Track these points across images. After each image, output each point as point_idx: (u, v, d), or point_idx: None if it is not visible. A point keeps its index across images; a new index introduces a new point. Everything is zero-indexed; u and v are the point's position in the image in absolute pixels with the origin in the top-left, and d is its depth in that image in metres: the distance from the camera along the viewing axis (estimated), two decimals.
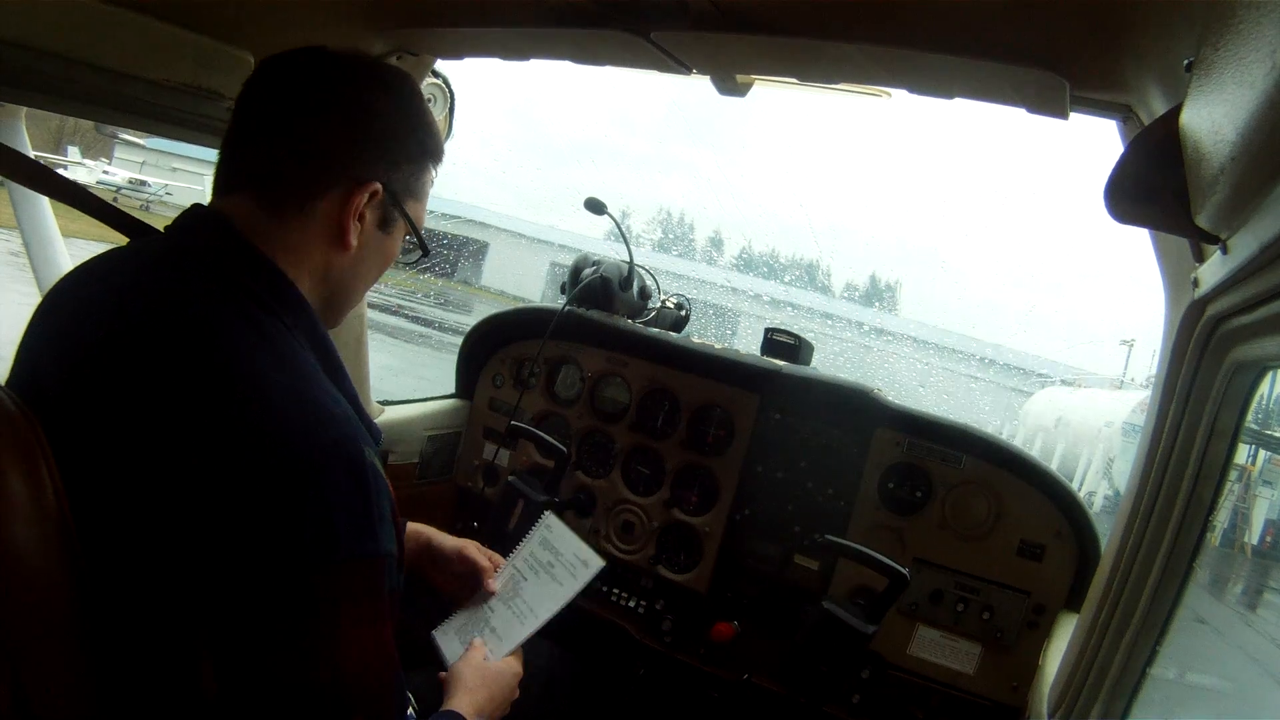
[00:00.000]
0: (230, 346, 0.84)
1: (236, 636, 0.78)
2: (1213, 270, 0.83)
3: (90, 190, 1.23)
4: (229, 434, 0.79)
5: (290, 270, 0.93)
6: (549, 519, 1.59)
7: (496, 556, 1.44)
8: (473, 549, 1.41)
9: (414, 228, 1.03)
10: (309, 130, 0.93)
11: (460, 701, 1.12)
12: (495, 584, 1.40)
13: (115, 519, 0.81)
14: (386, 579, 0.85)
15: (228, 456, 0.78)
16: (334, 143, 0.93)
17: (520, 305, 2.39)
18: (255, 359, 0.84)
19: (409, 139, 0.99)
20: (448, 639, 1.32)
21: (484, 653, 1.24)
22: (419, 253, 1.07)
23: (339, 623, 0.80)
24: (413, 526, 1.42)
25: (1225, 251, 0.74)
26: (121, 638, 0.81)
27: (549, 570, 1.48)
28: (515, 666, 1.24)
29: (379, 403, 2.03)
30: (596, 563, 1.49)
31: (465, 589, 1.39)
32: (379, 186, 0.95)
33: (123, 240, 1.06)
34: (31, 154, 1.81)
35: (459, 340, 2.32)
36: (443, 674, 1.19)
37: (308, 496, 0.79)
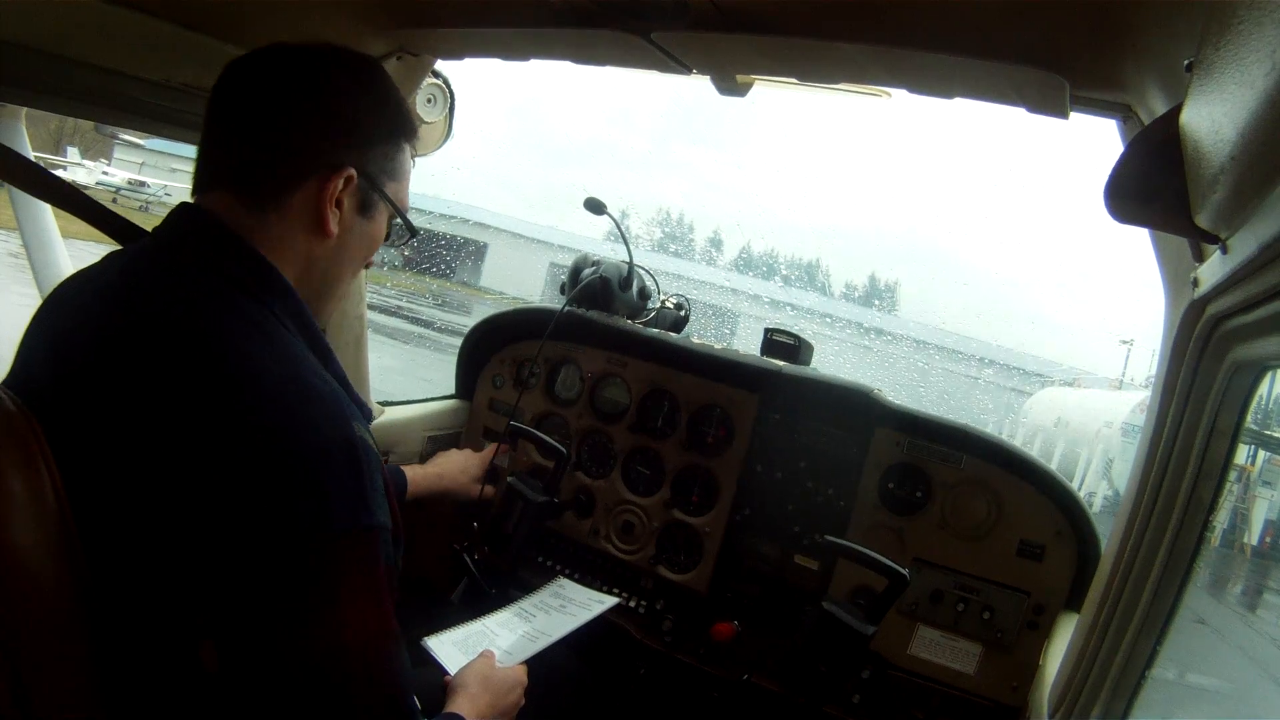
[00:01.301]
0: (219, 335, 0.84)
1: (237, 616, 0.79)
2: (1212, 270, 0.83)
3: (85, 192, 1.23)
4: (221, 419, 0.80)
5: (276, 262, 0.94)
6: (561, 580, 1.73)
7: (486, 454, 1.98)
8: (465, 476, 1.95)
9: (396, 209, 1.03)
10: (276, 124, 0.94)
11: (461, 705, 1.12)
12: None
13: (114, 514, 0.81)
14: (382, 551, 0.86)
15: (221, 441, 0.79)
16: (301, 133, 0.94)
17: (520, 306, 2.39)
18: (244, 345, 0.85)
19: (377, 120, 0.99)
20: (445, 649, 1.32)
21: (493, 660, 1.24)
22: (407, 234, 1.07)
23: (338, 596, 0.81)
24: (427, 471, 1.87)
25: (1225, 251, 0.74)
26: (123, 632, 0.82)
27: (561, 610, 1.53)
28: (520, 675, 1.24)
29: (379, 403, 2.04)
30: (610, 600, 1.56)
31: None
32: (352, 171, 0.95)
33: (117, 245, 1.07)
34: (31, 154, 1.81)
35: (458, 341, 2.32)
36: (447, 679, 1.19)
37: (301, 474, 0.80)
